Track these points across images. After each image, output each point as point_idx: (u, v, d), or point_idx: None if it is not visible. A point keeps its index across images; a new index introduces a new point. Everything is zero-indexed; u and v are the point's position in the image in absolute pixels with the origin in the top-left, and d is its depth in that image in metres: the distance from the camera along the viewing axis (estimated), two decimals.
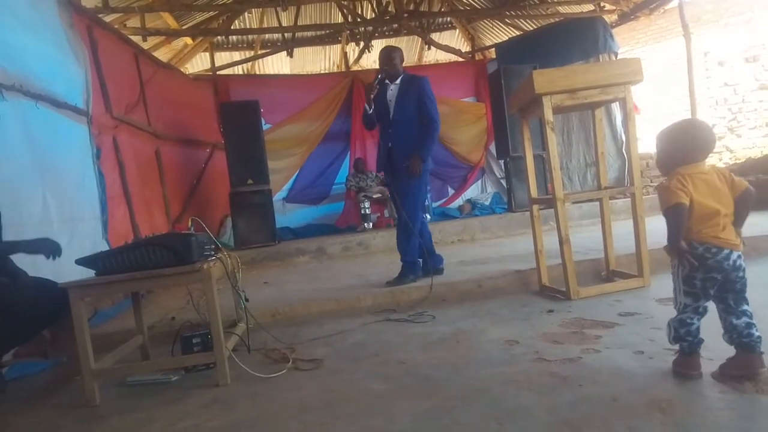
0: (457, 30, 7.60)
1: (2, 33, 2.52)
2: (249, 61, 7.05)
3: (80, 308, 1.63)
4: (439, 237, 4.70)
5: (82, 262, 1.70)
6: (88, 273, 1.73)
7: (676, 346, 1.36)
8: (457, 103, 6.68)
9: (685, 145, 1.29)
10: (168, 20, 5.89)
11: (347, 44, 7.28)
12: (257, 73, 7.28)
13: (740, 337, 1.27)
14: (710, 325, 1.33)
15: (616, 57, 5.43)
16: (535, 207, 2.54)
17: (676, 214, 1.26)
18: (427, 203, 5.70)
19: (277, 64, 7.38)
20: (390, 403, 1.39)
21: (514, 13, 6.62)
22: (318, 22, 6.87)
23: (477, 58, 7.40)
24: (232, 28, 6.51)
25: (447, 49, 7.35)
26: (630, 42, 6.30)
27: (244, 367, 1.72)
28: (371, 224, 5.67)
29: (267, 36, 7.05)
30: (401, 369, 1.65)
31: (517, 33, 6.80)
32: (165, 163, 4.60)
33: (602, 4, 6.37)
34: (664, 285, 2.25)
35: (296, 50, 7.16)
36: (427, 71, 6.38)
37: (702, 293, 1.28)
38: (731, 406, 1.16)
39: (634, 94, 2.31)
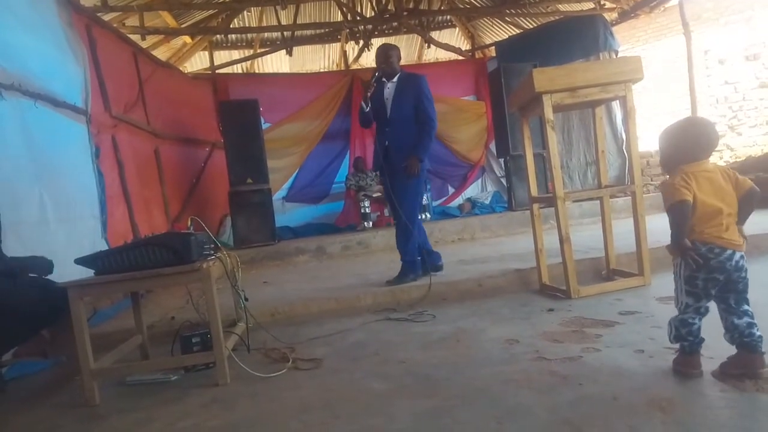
0: (457, 28, 7.58)
1: (1, 32, 2.51)
2: (248, 60, 7.03)
3: (79, 308, 1.62)
4: (440, 236, 4.70)
5: (81, 261, 1.69)
6: (87, 272, 1.72)
7: (677, 345, 1.36)
8: (457, 102, 6.67)
9: (688, 143, 1.29)
10: (167, 19, 5.88)
11: (347, 43, 7.27)
12: (256, 71, 7.27)
13: (741, 337, 1.26)
14: (711, 324, 1.33)
15: (616, 55, 5.41)
16: (536, 206, 2.54)
17: (679, 212, 1.25)
18: (426, 202, 5.70)
19: (276, 62, 7.36)
20: (390, 403, 1.38)
21: (514, 11, 6.60)
22: (317, 21, 6.85)
23: (477, 56, 7.38)
24: (231, 26, 6.50)
25: (447, 47, 7.33)
26: (630, 40, 6.28)
27: (244, 367, 1.71)
28: (371, 223, 5.66)
29: (266, 34, 7.04)
30: (401, 368, 1.64)
31: (517, 31, 6.78)
32: (164, 162, 4.59)
33: (602, 2, 6.35)
34: (664, 284, 2.25)
35: (295, 49, 7.15)
36: (427, 70, 6.37)
37: (704, 293, 1.28)
38: (732, 404, 1.16)
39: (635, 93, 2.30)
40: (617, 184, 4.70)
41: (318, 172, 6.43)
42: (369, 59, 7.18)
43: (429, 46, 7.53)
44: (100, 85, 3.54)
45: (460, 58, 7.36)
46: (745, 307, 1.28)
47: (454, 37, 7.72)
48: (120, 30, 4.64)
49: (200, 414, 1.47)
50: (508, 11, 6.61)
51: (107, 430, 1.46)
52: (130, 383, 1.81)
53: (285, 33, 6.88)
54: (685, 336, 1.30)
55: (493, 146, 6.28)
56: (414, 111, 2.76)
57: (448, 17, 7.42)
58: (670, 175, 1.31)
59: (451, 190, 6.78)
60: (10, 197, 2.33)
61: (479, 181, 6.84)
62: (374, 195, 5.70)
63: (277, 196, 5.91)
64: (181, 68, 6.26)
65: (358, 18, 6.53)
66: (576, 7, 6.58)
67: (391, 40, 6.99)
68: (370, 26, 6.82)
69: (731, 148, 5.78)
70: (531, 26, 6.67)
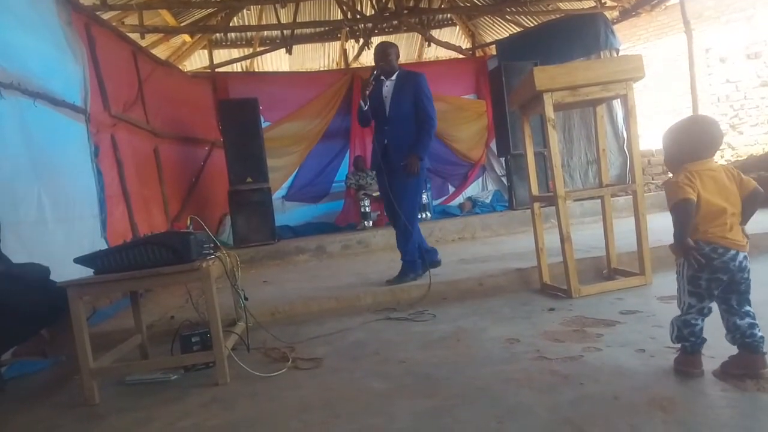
0: (458, 26, 7.56)
1: (0, 31, 2.50)
2: (248, 59, 7.02)
3: (79, 307, 1.62)
4: (440, 235, 4.69)
5: (80, 260, 1.69)
6: (86, 272, 1.72)
7: (678, 345, 1.35)
8: (457, 101, 6.66)
9: (693, 142, 1.28)
10: (166, 17, 5.86)
11: (346, 41, 7.25)
12: (256, 70, 7.25)
13: (743, 338, 1.26)
14: (712, 323, 1.32)
15: (617, 53, 5.40)
16: (536, 205, 2.53)
17: (682, 210, 1.24)
18: (427, 201, 5.69)
19: (276, 61, 7.35)
20: (390, 402, 1.38)
21: (514, 10, 6.58)
22: (317, 19, 6.84)
23: (477, 54, 7.36)
24: (230, 25, 6.48)
25: (447, 45, 7.31)
26: (631, 38, 6.27)
27: (244, 366, 1.71)
28: (371, 222, 5.66)
29: (266, 33, 7.02)
30: (401, 368, 1.64)
31: (518, 29, 6.76)
32: (163, 161, 4.58)
33: (603, 1, 6.33)
34: (665, 283, 2.24)
35: (295, 47, 7.13)
36: (427, 68, 6.34)
37: (706, 294, 1.27)
38: (733, 404, 1.16)
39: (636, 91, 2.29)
40: (618, 182, 4.69)
41: (318, 171, 6.42)
42: (369, 58, 7.15)
43: (429, 45, 7.52)
44: (100, 84, 3.53)
45: (461, 56, 7.35)
46: (747, 307, 1.27)
47: (454, 35, 7.70)
48: (119, 29, 4.63)
49: (200, 413, 1.47)
50: (508, 9, 6.59)
51: (107, 429, 1.46)
52: (129, 383, 1.81)
53: (285, 31, 6.86)
54: (687, 336, 1.30)
55: (493, 145, 6.27)
56: (413, 109, 2.75)
57: (449, 15, 7.40)
58: (674, 174, 1.30)
59: (451, 189, 6.77)
60: (10, 196, 2.33)
61: (480, 180, 6.83)
62: (374, 194, 5.69)
63: (277, 195, 5.90)
64: (180, 67, 6.25)
65: (358, 16, 6.51)
66: (577, 5, 6.56)
67: (391, 38, 6.98)
68: (370, 24, 6.80)
69: (732, 147, 5.77)
70: (532, 24, 6.65)
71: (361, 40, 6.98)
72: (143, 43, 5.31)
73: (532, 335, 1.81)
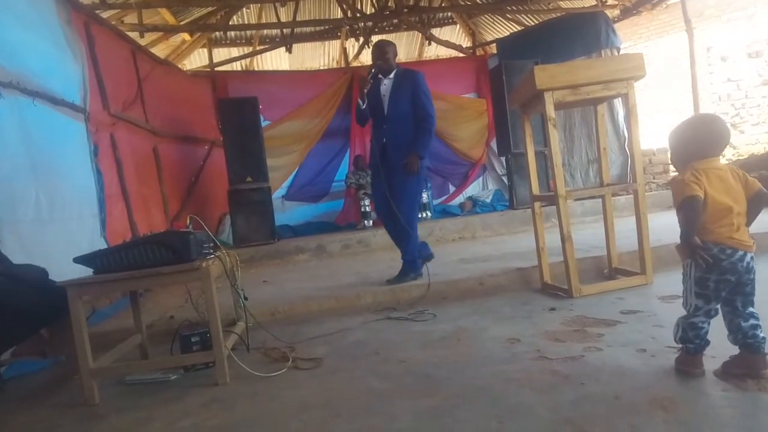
0: (458, 25, 7.55)
1: (0, 30, 2.50)
2: (247, 57, 7.00)
3: (78, 307, 1.62)
4: (440, 234, 4.69)
5: (80, 260, 1.68)
6: (86, 271, 1.71)
7: (679, 344, 1.35)
8: (457, 99, 6.64)
9: (699, 140, 1.27)
10: (165, 16, 5.85)
11: (346, 40, 7.23)
12: (256, 69, 7.23)
13: (745, 338, 1.25)
14: (712, 322, 1.31)
15: (618, 52, 5.39)
16: (537, 204, 2.53)
17: (689, 208, 1.22)
18: (427, 201, 5.68)
19: (275, 60, 7.33)
20: (390, 402, 1.38)
21: (515, 8, 6.56)
22: (317, 18, 6.82)
23: (478, 53, 7.35)
24: (230, 23, 6.46)
25: (447, 44, 7.30)
26: (632, 37, 6.25)
27: (244, 366, 1.71)
28: (371, 222, 5.65)
29: (265, 32, 7.00)
30: (402, 367, 1.64)
31: (519, 28, 6.75)
32: (163, 161, 4.58)
33: None
34: (666, 282, 2.24)
35: (295, 46, 7.11)
36: (428, 67, 6.31)
37: (714, 295, 1.26)
38: (734, 404, 1.15)
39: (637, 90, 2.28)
40: (619, 182, 4.69)
41: (318, 170, 6.41)
42: (369, 57, 7.13)
43: (430, 44, 7.50)
44: (99, 82, 3.53)
45: (461, 55, 7.33)
46: (751, 309, 1.27)
47: (454, 34, 7.68)
48: (118, 27, 4.62)
49: (200, 413, 1.47)
50: (509, 8, 6.57)
51: (106, 429, 1.46)
52: (129, 383, 1.81)
53: (284, 30, 6.85)
54: (692, 339, 1.29)
55: (494, 144, 6.26)
56: (412, 107, 2.74)
57: (449, 14, 7.38)
58: (680, 172, 1.29)
59: (452, 188, 6.76)
60: (9, 196, 2.32)
61: (480, 179, 6.82)
62: None
63: (277, 194, 5.89)
64: (179, 66, 6.24)
65: (358, 15, 6.50)
66: (578, 3, 6.53)
67: (391, 37, 6.97)
68: (370, 23, 6.79)
69: (734, 146, 5.76)
70: (532, 23, 6.63)
71: (362, 39, 6.96)
72: (142, 42, 5.30)
73: (532, 335, 1.80)
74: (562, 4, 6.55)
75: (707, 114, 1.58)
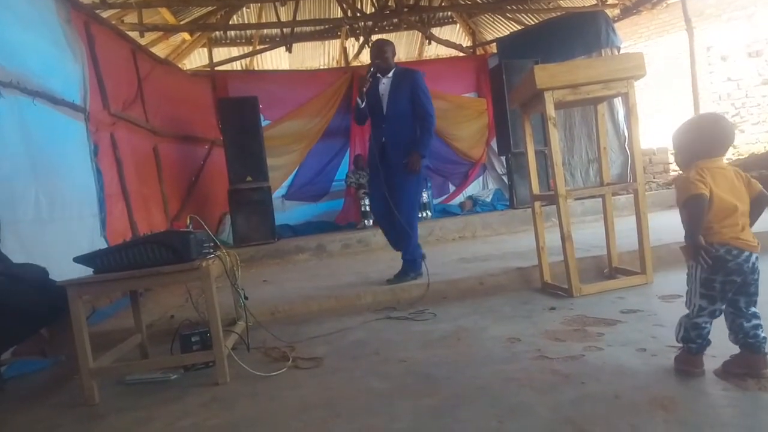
0: (458, 24, 7.54)
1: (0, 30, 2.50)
2: (247, 57, 7.00)
3: (78, 306, 1.62)
4: (441, 234, 4.68)
5: (80, 260, 1.68)
6: (86, 271, 1.71)
7: (679, 344, 1.34)
8: (458, 99, 6.64)
9: (705, 139, 1.26)
10: (165, 15, 5.85)
11: (347, 39, 7.23)
12: (256, 68, 7.23)
13: (746, 338, 1.25)
14: (713, 321, 1.31)
15: (618, 51, 5.38)
16: (537, 203, 2.52)
17: (694, 206, 1.21)
18: (427, 200, 5.67)
19: (275, 59, 7.33)
20: (390, 402, 1.38)
21: (515, 8, 6.56)
22: (317, 17, 6.81)
23: (478, 52, 7.34)
24: (230, 23, 6.46)
25: (447, 44, 7.29)
26: (632, 36, 6.25)
27: (244, 366, 1.71)
28: (371, 221, 5.64)
29: (265, 31, 7.00)
30: (402, 367, 1.64)
31: (519, 27, 6.74)
32: (163, 160, 4.58)
33: None
34: (667, 282, 2.24)
35: (295, 45, 7.11)
36: (428, 66, 6.32)
37: (720, 296, 1.25)
38: (734, 403, 1.15)
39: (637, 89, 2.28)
40: (619, 181, 4.69)
41: (318, 169, 6.41)
42: (369, 56, 7.13)
43: (430, 43, 7.49)
44: (99, 82, 3.52)
45: (461, 54, 7.33)
46: (753, 309, 1.26)
47: (454, 33, 7.67)
48: (118, 27, 4.62)
49: (200, 413, 1.47)
50: (509, 7, 6.57)
51: (106, 429, 1.46)
52: (129, 382, 1.81)
53: (284, 30, 6.84)
54: (695, 338, 1.29)
55: (494, 143, 6.26)
56: (411, 106, 2.73)
57: (449, 13, 7.38)
58: (685, 171, 1.29)
59: (452, 187, 6.76)
60: (9, 196, 2.32)
61: (480, 178, 6.82)
62: None
63: (277, 194, 5.89)
64: (180, 65, 6.24)
65: (358, 14, 6.49)
66: (578, 2, 6.53)
67: (391, 36, 6.96)
68: (370, 23, 6.78)
69: (734, 146, 5.75)
70: (532, 22, 6.63)
71: (362, 39, 6.96)
72: (143, 42, 5.30)
73: (532, 334, 1.80)
74: (562, 4, 6.55)
75: (712, 113, 1.57)
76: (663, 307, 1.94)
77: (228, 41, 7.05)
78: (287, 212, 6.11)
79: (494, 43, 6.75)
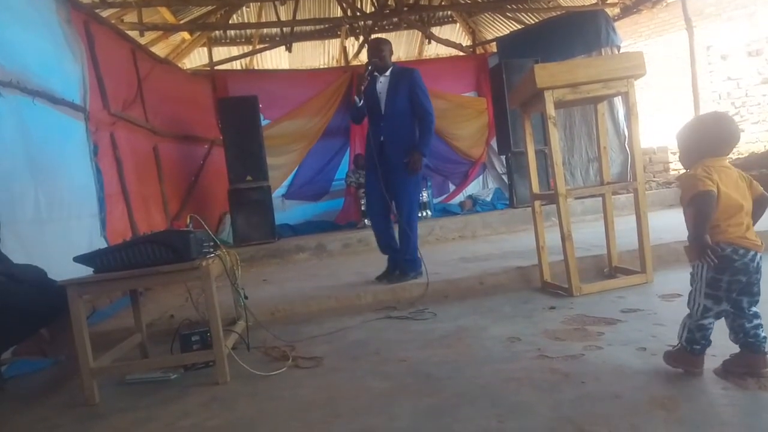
0: (458, 24, 7.54)
1: None
2: (247, 56, 7.00)
3: (78, 306, 1.62)
4: (441, 233, 4.68)
5: (80, 259, 1.68)
6: (86, 271, 1.71)
7: (686, 345, 1.33)
8: (457, 98, 6.63)
9: (710, 137, 1.26)
10: (165, 15, 5.84)
11: (346, 39, 7.22)
12: (256, 68, 7.23)
13: (746, 337, 1.25)
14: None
15: (618, 51, 5.37)
16: (537, 203, 2.52)
17: (702, 203, 1.19)
18: (427, 200, 5.67)
19: (275, 59, 7.32)
20: (391, 401, 1.38)
21: (515, 7, 6.55)
22: (317, 17, 6.81)
23: (478, 52, 7.33)
24: (230, 22, 6.46)
25: (447, 43, 7.29)
26: (632, 35, 6.24)
27: (244, 366, 1.71)
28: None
29: (265, 30, 7.00)
30: (402, 367, 1.64)
31: (519, 26, 6.73)
32: (163, 160, 4.57)
33: None
34: (667, 281, 2.24)
35: (295, 45, 7.11)
36: (428, 66, 6.32)
37: (725, 296, 1.24)
38: (734, 402, 1.15)
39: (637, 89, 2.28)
40: (619, 180, 4.68)
41: (318, 169, 6.41)
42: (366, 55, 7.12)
43: (429, 42, 7.49)
44: (99, 82, 3.52)
45: (461, 53, 7.32)
46: (755, 309, 1.26)
47: (454, 32, 7.67)
48: (118, 26, 4.61)
49: (200, 413, 1.47)
50: (509, 6, 6.56)
51: (106, 429, 1.46)
52: (129, 382, 1.81)
53: (284, 29, 6.84)
54: (699, 339, 1.28)
55: (494, 143, 6.24)
56: (409, 105, 2.72)
57: (449, 13, 7.37)
58: (690, 169, 1.28)
59: (452, 187, 6.75)
60: (8, 195, 2.32)
61: (480, 178, 6.81)
62: None
63: (277, 193, 5.88)
64: (179, 65, 6.23)
65: (358, 14, 6.49)
66: (578, 2, 6.53)
67: (391, 35, 6.96)
68: (370, 22, 6.78)
69: None
70: (532, 22, 6.62)
71: (361, 38, 6.95)
72: (142, 41, 5.30)
73: (533, 334, 1.80)
74: (562, 3, 6.54)
75: (717, 112, 1.56)
76: (663, 307, 1.94)
77: (228, 40, 7.05)
78: (287, 212, 6.11)
79: (494, 43, 6.74)
